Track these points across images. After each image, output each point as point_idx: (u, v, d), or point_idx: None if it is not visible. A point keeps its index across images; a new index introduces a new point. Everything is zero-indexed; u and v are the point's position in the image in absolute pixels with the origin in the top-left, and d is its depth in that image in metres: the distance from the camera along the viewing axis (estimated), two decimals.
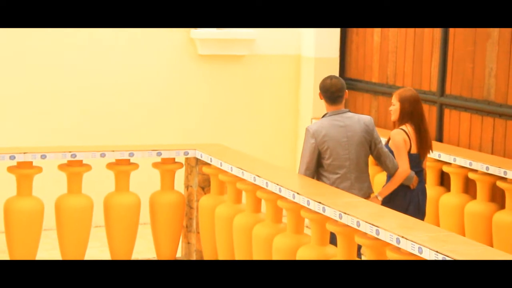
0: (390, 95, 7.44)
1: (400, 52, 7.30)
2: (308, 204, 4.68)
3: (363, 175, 5.14)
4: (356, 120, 5.11)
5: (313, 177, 5.10)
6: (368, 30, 7.70)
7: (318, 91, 5.21)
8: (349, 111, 5.17)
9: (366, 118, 5.16)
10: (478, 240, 5.55)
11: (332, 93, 5.08)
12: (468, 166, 6.04)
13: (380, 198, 5.29)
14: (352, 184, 5.08)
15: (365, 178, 5.15)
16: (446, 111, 6.78)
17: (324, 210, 4.54)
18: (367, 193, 5.17)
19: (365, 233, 4.27)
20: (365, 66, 7.76)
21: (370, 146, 5.17)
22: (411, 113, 5.31)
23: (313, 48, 7.92)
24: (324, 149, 5.04)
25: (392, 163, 5.25)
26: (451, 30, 6.69)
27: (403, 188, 5.32)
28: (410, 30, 7.17)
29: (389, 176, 5.35)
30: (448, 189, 6.47)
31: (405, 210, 5.18)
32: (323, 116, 5.17)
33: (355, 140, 5.07)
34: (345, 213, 4.38)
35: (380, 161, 5.23)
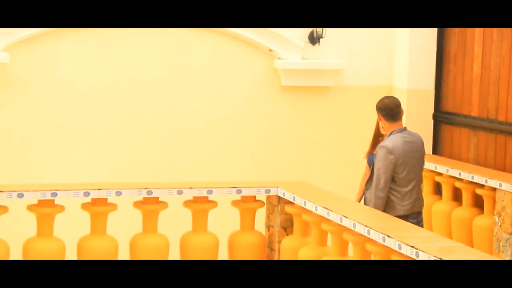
0: (491, 130, 7.31)
1: (503, 83, 7.15)
2: (400, 248, 4.62)
3: (420, 186, 5.96)
4: (417, 136, 5.94)
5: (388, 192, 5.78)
6: (467, 59, 7.56)
7: (377, 115, 5.89)
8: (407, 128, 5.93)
9: (420, 136, 5.98)
10: None
11: (391, 109, 5.83)
12: None
13: None
14: (418, 195, 5.86)
15: (421, 189, 5.99)
16: None
17: (417, 255, 4.48)
18: (423, 203, 6.00)
19: None
20: (464, 99, 7.63)
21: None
22: None
23: (406, 79, 7.85)
24: (400, 163, 5.76)
25: None
26: None
27: None
28: None
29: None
30: None
31: None
32: (389, 134, 5.84)
33: (419, 155, 5.89)
34: (441, 259, 4.29)
35: None
